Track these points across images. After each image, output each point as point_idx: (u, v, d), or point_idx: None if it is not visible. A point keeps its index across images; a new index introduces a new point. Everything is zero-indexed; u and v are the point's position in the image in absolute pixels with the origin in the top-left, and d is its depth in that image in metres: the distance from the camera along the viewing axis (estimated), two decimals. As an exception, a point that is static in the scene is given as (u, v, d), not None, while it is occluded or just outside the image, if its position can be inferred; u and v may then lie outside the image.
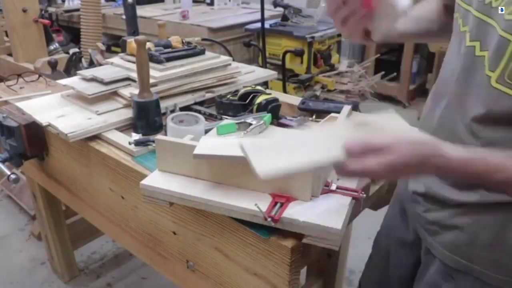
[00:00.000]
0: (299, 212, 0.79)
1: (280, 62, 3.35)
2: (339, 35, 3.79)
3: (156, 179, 0.91)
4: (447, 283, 0.87)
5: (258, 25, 3.19)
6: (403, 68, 3.89)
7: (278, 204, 0.81)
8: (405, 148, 0.64)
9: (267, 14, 3.19)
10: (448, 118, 0.81)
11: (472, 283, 0.82)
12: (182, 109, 1.28)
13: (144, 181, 0.90)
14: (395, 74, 3.93)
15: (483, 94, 0.72)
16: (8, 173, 1.28)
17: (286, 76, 3.40)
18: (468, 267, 0.81)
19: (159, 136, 0.92)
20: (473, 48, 0.74)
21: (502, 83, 0.68)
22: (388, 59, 4.18)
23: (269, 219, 0.78)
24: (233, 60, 1.52)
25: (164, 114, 1.23)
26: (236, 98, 1.30)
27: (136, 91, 1.21)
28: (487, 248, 0.79)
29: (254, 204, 0.80)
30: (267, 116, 1.16)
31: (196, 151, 0.85)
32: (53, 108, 1.30)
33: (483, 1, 0.73)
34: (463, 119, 0.76)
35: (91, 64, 1.57)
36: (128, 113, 1.24)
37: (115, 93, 1.31)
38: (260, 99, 1.25)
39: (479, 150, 0.70)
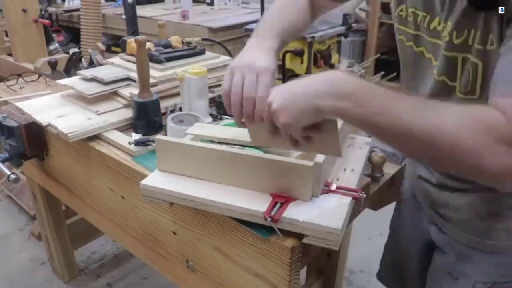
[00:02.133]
0: (299, 212, 0.79)
1: (280, 62, 3.35)
2: (339, 35, 3.79)
3: (156, 179, 0.91)
4: (461, 263, 0.94)
5: (258, 25, 3.19)
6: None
7: (278, 204, 0.81)
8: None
9: (267, 14, 3.19)
10: None
11: (487, 259, 0.90)
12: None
13: (144, 181, 0.90)
14: (395, 74, 3.92)
15: None
16: (8, 173, 1.28)
17: (286, 76, 3.40)
18: (483, 244, 0.90)
19: (159, 136, 0.92)
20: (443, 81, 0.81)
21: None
22: (388, 59, 4.18)
23: (269, 219, 0.78)
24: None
25: (164, 114, 1.23)
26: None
27: (136, 91, 1.21)
28: (499, 220, 0.86)
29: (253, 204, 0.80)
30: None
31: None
32: (53, 108, 1.30)
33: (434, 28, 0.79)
34: None
35: (91, 64, 1.57)
36: (128, 113, 1.24)
37: (115, 93, 1.31)
38: (260, 99, 1.25)
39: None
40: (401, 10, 0.87)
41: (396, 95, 0.63)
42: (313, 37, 3.38)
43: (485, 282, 0.93)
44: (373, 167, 1.01)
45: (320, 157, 0.81)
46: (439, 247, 1.01)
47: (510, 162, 0.57)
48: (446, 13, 0.76)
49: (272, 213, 0.79)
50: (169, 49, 1.42)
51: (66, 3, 4.26)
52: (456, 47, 0.76)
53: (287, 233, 0.81)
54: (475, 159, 0.58)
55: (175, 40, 1.46)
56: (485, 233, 0.90)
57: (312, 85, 0.67)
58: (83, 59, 1.76)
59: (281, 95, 0.69)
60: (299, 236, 0.80)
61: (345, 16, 3.70)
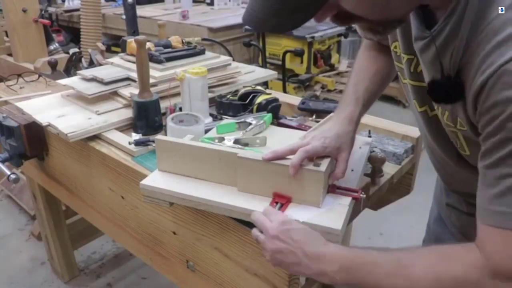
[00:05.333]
0: (299, 213, 0.79)
1: (280, 62, 3.35)
2: (339, 35, 3.79)
3: (156, 179, 0.91)
4: None
5: (258, 25, 3.19)
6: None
7: (278, 205, 0.81)
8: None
9: (267, 14, 3.19)
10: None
11: None
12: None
13: (144, 181, 0.90)
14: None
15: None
16: (8, 173, 1.28)
17: (286, 76, 3.40)
18: None
19: (159, 136, 0.92)
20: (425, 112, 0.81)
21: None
22: (388, 59, 4.18)
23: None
24: (233, 60, 1.52)
25: (164, 114, 1.23)
26: (236, 98, 1.30)
27: (136, 91, 1.21)
28: None
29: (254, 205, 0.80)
30: (268, 116, 1.16)
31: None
32: (53, 108, 1.30)
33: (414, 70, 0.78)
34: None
35: (91, 64, 1.57)
36: (128, 113, 1.24)
37: (115, 93, 1.31)
38: (260, 99, 1.25)
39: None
40: (395, 47, 0.85)
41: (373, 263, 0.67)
42: (313, 37, 3.38)
43: None
44: (373, 167, 1.01)
45: (324, 164, 0.81)
46: None
47: None
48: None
49: (272, 213, 0.79)
50: (169, 49, 1.42)
51: (66, 3, 4.26)
52: (434, 114, 0.77)
53: (287, 233, 0.80)
54: None
55: (175, 40, 1.46)
56: None
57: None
58: (83, 59, 1.76)
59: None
60: (299, 236, 0.80)
61: (345, 16, 3.70)
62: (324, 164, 0.79)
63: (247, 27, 3.49)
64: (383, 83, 0.94)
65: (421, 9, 0.70)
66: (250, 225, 0.83)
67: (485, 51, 0.59)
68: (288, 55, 3.34)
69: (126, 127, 1.24)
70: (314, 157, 0.81)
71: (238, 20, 3.54)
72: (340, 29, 3.67)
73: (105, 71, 1.35)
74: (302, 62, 3.56)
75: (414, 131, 1.17)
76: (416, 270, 0.64)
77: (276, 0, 0.62)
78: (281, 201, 0.82)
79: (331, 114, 0.93)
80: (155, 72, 1.29)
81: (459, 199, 0.95)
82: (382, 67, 0.93)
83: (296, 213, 0.79)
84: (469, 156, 0.76)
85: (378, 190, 1.03)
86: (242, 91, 1.31)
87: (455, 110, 0.68)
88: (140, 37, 1.13)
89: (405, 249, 0.68)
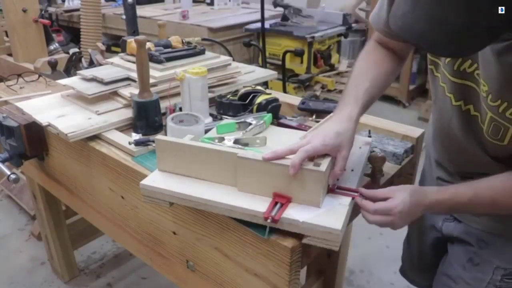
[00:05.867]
0: (299, 213, 0.79)
1: (280, 62, 3.35)
2: (339, 35, 3.79)
3: (156, 179, 0.91)
4: (482, 249, 0.98)
5: (258, 25, 3.19)
6: (403, 68, 3.89)
7: (278, 204, 0.81)
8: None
9: (267, 14, 3.19)
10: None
11: (504, 243, 0.96)
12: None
13: (144, 181, 0.90)
14: (395, 74, 3.92)
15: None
16: (8, 173, 1.28)
17: (286, 76, 3.40)
18: (508, 230, 0.95)
19: (159, 136, 0.92)
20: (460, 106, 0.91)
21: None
22: (388, 59, 4.18)
23: (269, 220, 0.78)
24: (233, 60, 1.52)
25: (164, 114, 1.23)
26: (236, 98, 1.30)
27: (136, 91, 1.21)
28: None
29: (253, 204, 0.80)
30: (268, 116, 1.16)
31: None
32: (53, 108, 1.30)
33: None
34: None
35: (91, 64, 1.57)
36: (128, 113, 1.24)
37: (115, 93, 1.31)
38: (260, 99, 1.25)
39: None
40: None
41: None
42: (313, 37, 3.38)
43: (506, 268, 0.95)
44: (373, 167, 1.01)
45: (324, 163, 0.81)
46: (457, 238, 1.03)
47: None
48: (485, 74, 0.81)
49: (273, 214, 0.79)
50: (169, 49, 1.42)
51: (66, 3, 4.26)
52: (489, 106, 0.81)
53: (287, 233, 0.81)
54: None
55: (175, 40, 1.46)
56: (510, 220, 0.92)
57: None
58: (83, 59, 1.76)
59: None
60: (299, 236, 0.80)
61: (345, 16, 3.70)
62: (324, 164, 0.79)
63: (247, 27, 3.49)
64: (382, 87, 0.97)
65: None
66: (250, 225, 0.83)
67: None
68: (288, 55, 3.34)
69: (126, 127, 1.24)
70: (314, 157, 0.82)
71: (238, 20, 3.54)
72: (340, 29, 3.67)
73: (105, 71, 1.35)
74: (302, 62, 3.56)
75: (414, 131, 1.17)
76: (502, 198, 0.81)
77: (456, 28, 0.61)
78: (281, 201, 0.82)
79: (331, 114, 0.94)
80: (155, 72, 1.29)
81: (452, 174, 1.03)
82: (383, 72, 0.96)
83: (296, 213, 0.79)
84: (505, 145, 0.83)
85: (378, 190, 1.03)
86: (242, 91, 1.31)
87: None
88: (140, 37, 1.13)
89: (488, 187, 0.83)
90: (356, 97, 0.89)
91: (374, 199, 0.84)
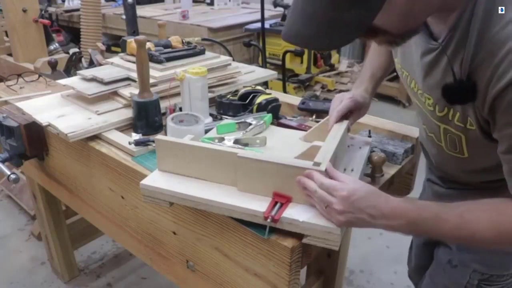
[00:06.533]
0: (299, 212, 0.79)
1: (280, 62, 3.35)
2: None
3: (156, 179, 0.91)
4: (460, 252, 0.99)
5: (258, 25, 3.19)
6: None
7: (278, 204, 0.81)
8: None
9: (267, 14, 3.19)
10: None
11: (488, 250, 0.94)
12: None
13: (144, 181, 0.90)
14: (395, 74, 3.93)
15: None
16: (8, 173, 1.28)
17: (286, 76, 3.40)
18: None
19: (159, 136, 0.92)
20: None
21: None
22: (388, 59, 4.18)
23: (269, 219, 0.78)
24: (233, 60, 1.52)
25: (164, 114, 1.23)
26: (236, 98, 1.30)
27: (136, 91, 1.21)
28: None
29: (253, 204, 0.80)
30: (268, 116, 1.16)
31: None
32: (53, 108, 1.30)
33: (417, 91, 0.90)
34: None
35: (91, 64, 1.57)
36: (128, 113, 1.24)
37: (115, 93, 1.31)
38: (260, 99, 1.25)
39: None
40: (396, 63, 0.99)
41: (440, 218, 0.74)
42: (313, 37, 3.38)
43: (483, 272, 0.96)
44: (373, 167, 1.01)
45: (324, 163, 0.81)
46: (443, 243, 1.04)
47: None
48: (426, 87, 0.85)
49: (272, 213, 0.79)
50: (169, 49, 1.42)
51: (66, 3, 4.26)
52: (438, 118, 0.84)
53: (287, 233, 0.81)
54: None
55: (175, 40, 1.46)
56: None
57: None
58: (83, 59, 1.76)
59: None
60: (299, 236, 0.80)
61: (345, 16, 3.69)
62: (324, 164, 0.79)
63: (247, 27, 3.49)
64: (391, 64, 1.09)
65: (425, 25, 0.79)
66: (250, 225, 0.83)
67: (498, 57, 0.67)
68: (288, 55, 3.34)
69: (126, 127, 1.24)
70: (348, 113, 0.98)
71: (238, 20, 3.54)
72: (340, 29, 3.67)
73: (105, 71, 1.35)
74: (302, 62, 3.56)
75: (414, 131, 1.17)
76: (479, 226, 0.72)
77: (323, 21, 0.65)
78: (281, 200, 0.82)
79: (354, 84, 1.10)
80: (155, 72, 1.29)
81: (441, 178, 1.06)
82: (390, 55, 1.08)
83: (296, 212, 0.79)
84: (466, 158, 0.85)
85: (378, 190, 1.03)
86: (242, 91, 1.31)
87: (466, 110, 0.77)
88: (140, 37, 1.13)
89: (464, 204, 0.74)
90: (372, 73, 1.08)
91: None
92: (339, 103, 0.99)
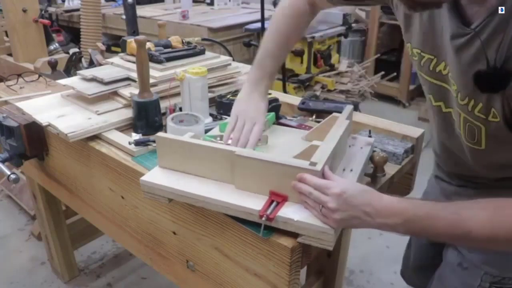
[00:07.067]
0: (294, 211, 0.79)
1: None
2: (339, 35, 3.79)
3: (156, 176, 0.91)
4: (472, 253, 0.97)
5: (258, 25, 3.19)
6: (403, 68, 3.89)
7: (274, 203, 0.81)
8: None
9: (267, 14, 3.18)
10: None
11: (499, 252, 0.90)
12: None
13: (144, 177, 0.91)
14: (395, 74, 3.93)
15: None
16: (8, 173, 1.28)
17: (286, 76, 3.40)
18: None
19: (160, 133, 0.93)
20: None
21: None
22: (388, 59, 4.18)
23: (264, 218, 0.78)
24: (233, 60, 1.52)
25: (164, 114, 1.23)
26: (236, 98, 1.30)
27: (136, 91, 1.21)
28: None
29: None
30: (271, 115, 1.16)
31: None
32: (53, 108, 1.30)
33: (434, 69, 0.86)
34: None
35: (91, 64, 1.57)
36: (128, 113, 1.24)
37: (115, 93, 1.31)
38: (260, 99, 1.25)
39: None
40: (408, 48, 0.93)
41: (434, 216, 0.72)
42: (313, 37, 3.38)
43: (494, 275, 0.93)
44: (375, 167, 1.01)
45: (320, 163, 0.81)
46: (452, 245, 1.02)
47: None
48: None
49: (268, 212, 0.79)
50: (169, 49, 1.42)
51: (66, 3, 4.25)
52: (459, 106, 0.81)
53: (287, 233, 0.81)
54: None
55: (175, 40, 1.46)
56: None
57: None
58: (83, 59, 1.76)
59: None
60: (298, 236, 0.80)
61: (345, 16, 3.70)
62: (320, 164, 0.79)
63: (247, 27, 3.48)
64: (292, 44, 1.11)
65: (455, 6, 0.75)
66: (250, 224, 0.83)
67: None
68: (288, 55, 3.33)
69: (126, 127, 1.24)
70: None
71: (238, 20, 3.54)
72: (340, 29, 3.67)
73: (105, 71, 1.35)
74: (302, 62, 3.56)
75: (414, 131, 1.17)
76: (476, 223, 0.69)
77: None
78: (278, 199, 0.82)
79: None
80: (155, 72, 1.29)
81: (451, 174, 1.04)
82: (293, 32, 1.08)
83: (291, 212, 0.79)
84: (483, 150, 0.82)
85: (378, 190, 1.03)
86: (242, 91, 1.31)
87: (491, 101, 0.73)
88: (140, 37, 1.13)
89: (462, 201, 0.72)
90: (271, 68, 1.06)
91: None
92: (243, 125, 1.01)
